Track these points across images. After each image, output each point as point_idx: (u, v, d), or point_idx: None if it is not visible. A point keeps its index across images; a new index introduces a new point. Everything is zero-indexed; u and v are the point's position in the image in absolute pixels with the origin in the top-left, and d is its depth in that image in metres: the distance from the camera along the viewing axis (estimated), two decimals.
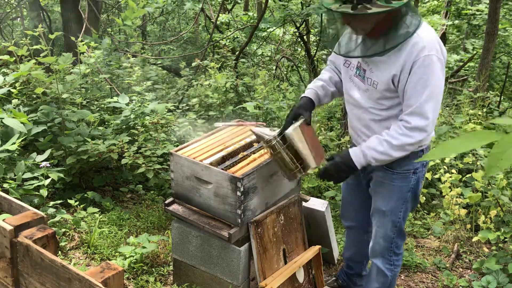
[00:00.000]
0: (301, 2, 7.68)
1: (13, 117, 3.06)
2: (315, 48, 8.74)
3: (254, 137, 2.76)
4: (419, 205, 3.85)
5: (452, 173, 3.56)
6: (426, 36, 1.94)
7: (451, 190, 3.51)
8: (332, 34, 2.09)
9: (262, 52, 9.03)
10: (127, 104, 4.00)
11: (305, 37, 8.42)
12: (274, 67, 8.10)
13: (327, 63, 2.46)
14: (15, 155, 3.43)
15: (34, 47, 4.00)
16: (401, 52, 1.95)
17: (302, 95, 2.38)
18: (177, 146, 3.24)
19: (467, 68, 9.33)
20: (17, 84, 3.92)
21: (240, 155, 2.55)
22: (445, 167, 3.78)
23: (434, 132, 2.19)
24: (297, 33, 8.34)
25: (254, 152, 2.59)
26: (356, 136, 2.32)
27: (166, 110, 4.17)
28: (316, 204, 3.01)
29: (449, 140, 0.82)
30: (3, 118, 3.03)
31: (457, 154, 4.09)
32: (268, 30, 8.35)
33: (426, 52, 1.91)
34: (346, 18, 1.92)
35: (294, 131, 2.16)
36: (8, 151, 3.18)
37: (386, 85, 2.03)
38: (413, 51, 1.93)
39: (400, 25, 1.92)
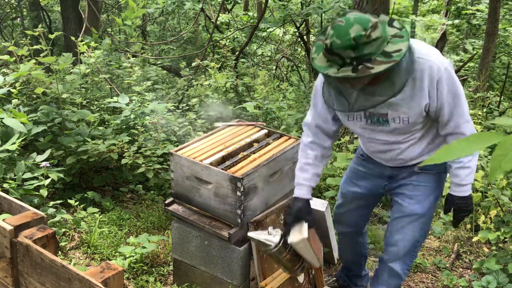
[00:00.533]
0: (301, 2, 7.68)
1: (13, 117, 3.06)
2: None
3: (254, 137, 2.76)
4: None
5: None
6: (432, 55, 1.93)
7: None
8: (336, 95, 1.96)
9: (262, 52, 9.03)
10: (127, 104, 4.00)
11: (305, 37, 8.42)
12: (274, 67, 8.10)
13: (307, 131, 2.26)
14: (15, 155, 3.43)
15: (34, 47, 4.00)
16: (422, 81, 1.93)
17: (296, 194, 2.23)
18: (177, 146, 3.24)
19: (467, 68, 9.33)
20: (17, 84, 3.92)
21: (240, 155, 2.55)
22: None
23: None
24: (297, 33, 8.34)
25: (254, 152, 2.59)
26: (382, 159, 2.28)
27: (166, 110, 4.17)
28: (316, 204, 3.00)
29: (451, 144, 0.81)
30: (3, 118, 3.03)
31: None
32: (268, 30, 8.35)
33: (442, 70, 1.91)
34: (348, 81, 1.81)
35: (301, 242, 2.12)
36: (8, 151, 3.18)
37: (419, 115, 2.01)
38: (433, 75, 1.91)
39: (401, 66, 1.84)
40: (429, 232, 3.61)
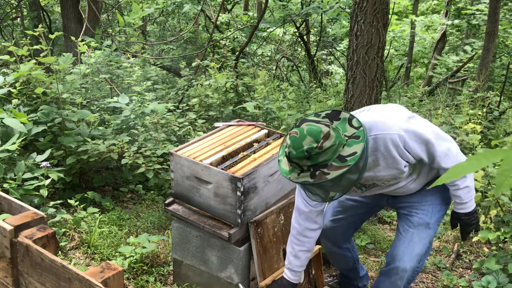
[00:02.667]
0: (301, 2, 7.69)
1: (13, 117, 3.06)
2: (315, 48, 8.74)
3: (254, 137, 2.76)
4: None
5: None
6: (388, 126, 1.99)
7: None
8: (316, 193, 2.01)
9: (262, 52, 9.04)
10: (127, 104, 4.00)
11: (305, 37, 8.42)
12: (274, 67, 8.11)
13: (299, 216, 2.25)
14: (15, 155, 3.43)
15: (34, 47, 4.00)
16: (389, 152, 2.00)
17: (286, 277, 2.32)
18: (177, 146, 3.24)
19: (467, 68, 9.33)
20: (17, 84, 3.92)
21: (240, 155, 2.55)
22: None
23: None
24: (297, 33, 8.34)
25: (254, 152, 2.59)
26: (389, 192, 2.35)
27: (166, 110, 4.17)
28: None
29: (459, 163, 0.83)
30: (3, 118, 3.03)
31: None
32: (268, 30, 8.35)
33: (403, 133, 1.98)
34: (312, 187, 1.89)
35: None
36: (8, 151, 3.18)
37: (403, 172, 2.09)
38: (397, 143, 1.98)
39: (358, 163, 1.88)
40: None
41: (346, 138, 1.86)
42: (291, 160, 1.84)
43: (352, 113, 2.01)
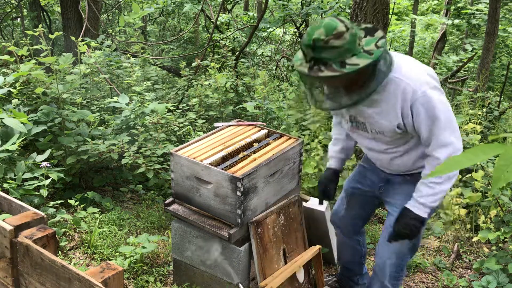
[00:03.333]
0: (301, 2, 7.69)
1: (13, 117, 3.06)
2: None
3: (254, 137, 2.76)
4: None
5: None
6: (411, 76, 1.92)
7: (451, 190, 3.51)
8: (309, 92, 2.07)
9: (262, 52, 9.04)
10: (127, 104, 4.00)
11: None
12: (274, 67, 8.10)
13: (334, 116, 2.45)
14: (15, 155, 3.43)
15: (34, 47, 4.00)
16: (395, 101, 1.96)
17: (327, 165, 2.48)
18: (177, 146, 3.24)
19: (467, 68, 9.33)
20: (17, 84, 3.92)
21: (240, 155, 2.55)
22: None
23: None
24: (297, 33, 8.34)
25: (254, 152, 2.59)
26: (379, 165, 2.34)
27: (166, 110, 4.17)
28: (316, 204, 3.00)
29: (455, 156, 0.82)
30: (3, 118, 3.03)
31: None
32: (268, 30, 8.35)
33: (418, 93, 1.91)
34: (305, 78, 1.93)
35: None
36: (8, 151, 3.18)
37: (393, 132, 2.04)
38: (406, 97, 1.93)
39: (369, 78, 1.89)
40: (429, 232, 3.61)
41: (361, 50, 1.83)
42: (301, 47, 1.87)
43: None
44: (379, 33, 1.89)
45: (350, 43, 1.80)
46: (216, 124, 2.95)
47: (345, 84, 1.94)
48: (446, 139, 1.97)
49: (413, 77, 1.93)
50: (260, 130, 2.84)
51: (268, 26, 7.43)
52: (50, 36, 3.99)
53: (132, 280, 2.76)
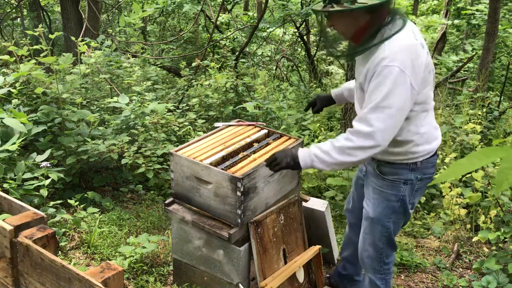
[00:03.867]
0: (301, 2, 7.69)
1: (13, 117, 3.06)
2: (315, 48, 8.74)
3: (254, 137, 2.76)
4: (419, 205, 3.85)
5: None
6: (393, 47, 1.90)
7: (451, 190, 3.51)
8: (323, 36, 2.17)
9: (262, 52, 9.04)
10: (127, 104, 4.00)
11: (305, 37, 8.42)
12: (274, 67, 8.10)
13: None
14: (15, 155, 3.43)
15: (34, 47, 4.00)
16: (368, 62, 1.97)
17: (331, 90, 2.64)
18: (177, 146, 3.24)
19: (467, 68, 9.32)
20: (17, 84, 3.92)
21: (240, 155, 2.55)
22: (445, 167, 3.78)
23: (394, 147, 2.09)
24: (297, 33, 8.34)
25: (254, 152, 2.59)
26: None
27: (166, 110, 4.17)
28: (316, 204, 3.01)
29: (459, 160, 0.82)
30: (3, 118, 3.03)
31: (457, 154, 4.09)
32: (268, 30, 8.35)
33: (385, 63, 1.89)
34: (319, 16, 2.09)
35: None
36: (8, 151, 3.18)
37: (361, 95, 2.07)
38: (375, 61, 1.92)
39: (368, 34, 1.95)
40: (429, 232, 3.61)
41: None
42: None
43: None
44: None
45: None
46: (216, 124, 2.95)
47: (350, 28, 1.99)
48: (371, 120, 1.92)
49: (393, 49, 1.91)
50: (260, 130, 2.84)
51: (268, 26, 7.43)
52: (50, 36, 3.99)
53: (132, 280, 2.76)
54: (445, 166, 3.81)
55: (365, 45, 1.96)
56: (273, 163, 2.15)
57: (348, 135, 1.98)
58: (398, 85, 1.88)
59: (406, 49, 1.90)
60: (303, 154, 2.07)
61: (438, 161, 3.89)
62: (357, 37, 2.00)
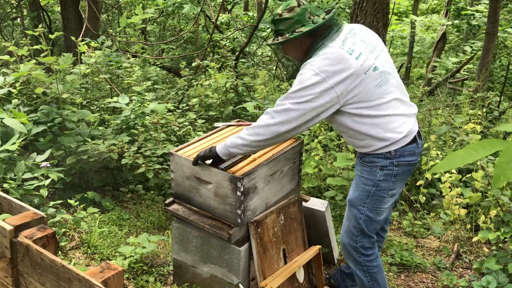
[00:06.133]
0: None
1: (13, 117, 3.06)
2: None
3: None
4: (419, 205, 3.85)
5: (452, 173, 3.56)
6: (319, 55, 2.14)
7: (451, 190, 3.51)
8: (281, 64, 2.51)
9: (262, 52, 9.04)
10: (127, 104, 3.99)
11: None
12: (274, 67, 8.10)
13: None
14: (15, 155, 3.43)
15: (34, 47, 4.00)
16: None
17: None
18: (177, 146, 3.24)
19: (466, 69, 9.33)
20: (17, 84, 3.92)
21: (240, 155, 2.55)
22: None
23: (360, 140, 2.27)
24: None
25: (254, 152, 2.59)
26: None
27: (166, 110, 4.17)
28: (316, 204, 3.01)
29: (456, 151, 0.81)
30: (3, 118, 3.03)
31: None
32: (268, 30, 8.35)
33: (306, 66, 2.14)
34: (271, 48, 2.43)
35: None
36: (8, 151, 3.18)
37: None
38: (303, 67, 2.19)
39: (312, 51, 2.21)
40: (429, 232, 3.61)
41: (311, 22, 2.21)
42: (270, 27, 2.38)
43: (348, 25, 2.30)
44: (332, 12, 2.24)
45: (299, 15, 2.20)
46: (216, 124, 2.95)
47: (299, 51, 2.29)
48: (281, 101, 2.14)
49: (318, 56, 2.14)
50: None
51: (268, 26, 7.43)
52: (50, 36, 3.99)
53: (132, 280, 2.76)
54: None
55: (302, 62, 2.21)
56: (195, 158, 2.37)
57: (262, 115, 2.22)
58: (310, 79, 2.09)
59: (325, 58, 2.12)
60: (220, 147, 2.29)
61: (438, 161, 3.89)
62: (304, 57, 2.27)
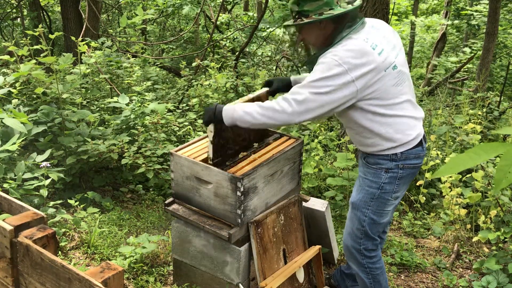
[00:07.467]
0: None
1: (13, 117, 3.06)
2: None
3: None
4: (419, 205, 3.85)
5: None
6: (342, 45, 2.08)
7: (451, 190, 3.51)
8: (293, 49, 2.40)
9: (262, 52, 9.04)
10: (127, 104, 3.99)
11: None
12: (274, 67, 8.10)
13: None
14: (15, 155, 3.43)
15: (35, 47, 4.00)
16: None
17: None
18: (177, 146, 3.24)
19: (466, 69, 9.34)
20: (17, 84, 3.92)
21: (240, 155, 2.55)
22: None
23: (396, 132, 2.21)
24: None
25: (254, 152, 2.59)
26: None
27: (166, 110, 4.17)
28: (316, 204, 3.00)
29: (458, 155, 0.81)
30: (3, 118, 3.03)
31: (458, 154, 4.09)
32: (268, 30, 8.35)
33: (328, 55, 2.08)
34: (291, 30, 2.32)
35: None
36: (8, 151, 3.18)
37: None
38: (325, 56, 2.11)
39: (332, 40, 2.14)
40: (429, 232, 3.61)
41: (339, 6, 2.14)
42: (290, 8, 2.21)
43: (370, 20, 2.24)
44: (359, 2, 2.20)
45: None
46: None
47: (319, 38, 2.18)
48: (301, 89, 2.07)
49: (341, 46, 2.08)
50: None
51: (268, 26, 7.43)
52: (50, 36, 3.99)
53: (132, 280, 2.76)
54: None
55: (323, 50, 2.13)
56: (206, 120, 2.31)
57: (279, 99, 2.14)
58: (331, 67, 2.03)
59: (354, 48, 2.06)
60: (227, 107, 2.22)
61: (438, 161, 3.89)
62: (323, 46, 2.18)
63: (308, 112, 2.07)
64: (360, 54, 2.04)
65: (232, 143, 2.52)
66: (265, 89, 2.57)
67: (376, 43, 2.10)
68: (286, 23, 2.25)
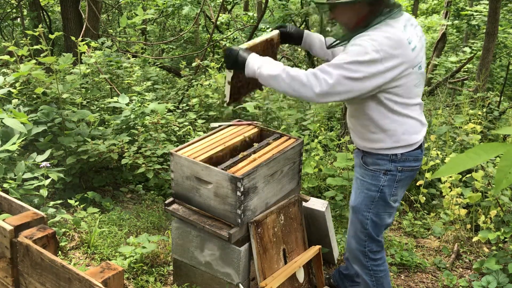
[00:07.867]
0: (301, 2, 7.69)
1: (13, 117, 3.06)
2: None
3: (247, 134, 2.76)
4: (419, 205, 3.85)
5: None
6: (381, 30, 2.01)
7: (451, 190, 3.51)
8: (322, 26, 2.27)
9: None
10: (127, 104, 3.99)
11: None
12: None
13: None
14: (15, 155, 3.43)
15: (34, 47, 4.00)
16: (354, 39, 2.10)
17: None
18: (177, 146, 3.24)
19: (466, 69, 9.33)
20: (17, 84, 3.92)
21: (240, 155, 2.55)
22: None
23: (421, 128, 2.23)
24: None
25: (254, 152, 2.59)
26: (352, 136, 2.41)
27: (166, 110, 4.17)
28: (316, 204, 3.00)
29: (458, 155, 0.81)
30: (3, 118, 3.03)
31: (458, 154, 4.08)
32: (268, 30, 8.35)
33: (365, 37, 2.00)
34: (325, 8, 2.17)
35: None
36: (8, 151, 3.18)
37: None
38: (360, 38, 2.04)
39: (366, 24, 2.05)
40: (429, 232, 3.61)
41: None
42: None
43: (406, 13, 2.16)
44: None
45: None
46: (212, 125, 2.95)
47: (352, 19, 2.09)
48: (333, 69, 1.99)
49: (378, 32, 2.01)
50: (260, 130, 2.84)
51: (268, 26, 7.43)
52: (50, 36, 3.99)
53: (132, 280, 2.76)
54: None
55: (357, 32, 2.05)
56: (225, 55, 2.20)
57: (308, 72, 2.05)
58: (367, 52, 1.96)
59: (391, 36, 2.00)
60: (252, 58, 2.13)
61: (438, 161, 3.89)
62: (356, 27, 2.09)
63: (334, 95, 2.01)
64: (397, 44, 1.99)
65: (249, 86, 2.43)
66: (277, 31, 2.45)
67: (411, 38, 2.05)
68: (319, 1, 2.14)
